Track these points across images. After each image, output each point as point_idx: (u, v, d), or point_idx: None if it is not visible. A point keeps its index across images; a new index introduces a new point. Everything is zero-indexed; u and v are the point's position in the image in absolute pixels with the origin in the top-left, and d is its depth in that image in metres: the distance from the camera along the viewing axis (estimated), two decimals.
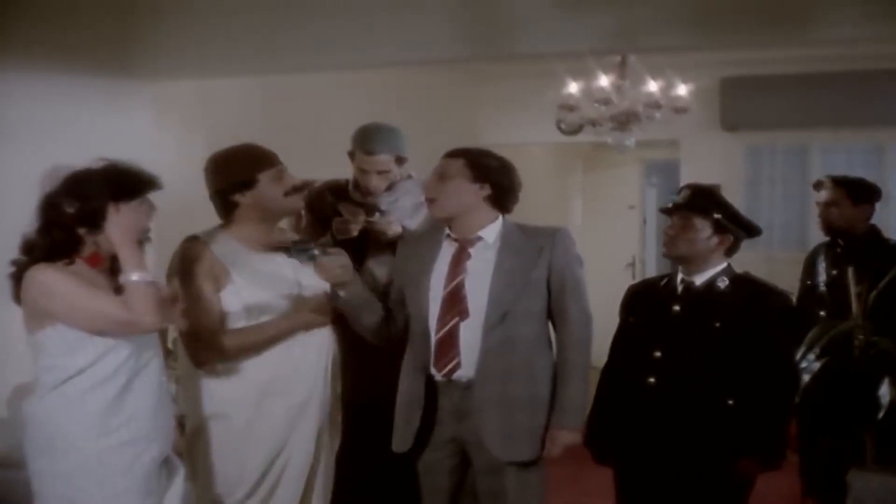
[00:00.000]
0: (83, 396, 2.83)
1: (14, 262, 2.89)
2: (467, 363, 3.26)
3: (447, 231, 3.39)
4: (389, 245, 3.87)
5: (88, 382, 2.83)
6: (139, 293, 2.81)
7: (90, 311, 2.80)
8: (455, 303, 3.28)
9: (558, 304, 3.32)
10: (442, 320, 3.28)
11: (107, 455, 2.84)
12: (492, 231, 3.35)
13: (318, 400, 3.33)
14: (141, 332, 2.89)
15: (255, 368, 3.25)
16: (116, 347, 2.86)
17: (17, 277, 2.87)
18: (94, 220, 2.84)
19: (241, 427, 3.24)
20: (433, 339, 3.29)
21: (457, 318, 3.26)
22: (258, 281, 3.27)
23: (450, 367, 3.26)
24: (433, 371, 3.31)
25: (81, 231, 2.86)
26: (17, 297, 2.89)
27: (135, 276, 2.81)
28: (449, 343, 3.26)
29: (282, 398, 3.26)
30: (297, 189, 3.37)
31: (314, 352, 3.34)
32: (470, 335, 3.26)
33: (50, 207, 2.87)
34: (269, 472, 3.27)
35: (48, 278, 2.81)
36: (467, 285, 3.28)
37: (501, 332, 3.24)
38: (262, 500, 3.28)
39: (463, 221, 3.35)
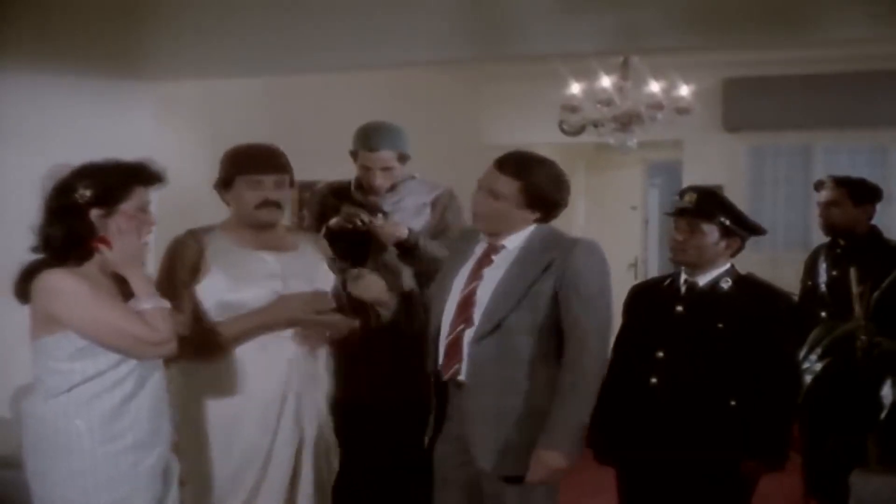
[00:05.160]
0: (91, 401, 2.80)
1: (29, 261, 2.83)
2: (465, 370, 3.21)
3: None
4: (395, 247, 3.87)
5: (99, 387, 2.80)
6: (159, 317, 2.80)
7: (114, 328, 2.77)
8: (464, 309, 3.22)
9: (567, 321, 3.16)
10: (453, 325, 3.23)
11: (111, 459, 2.81)
12: (517, 239, 3.25)
13: (292, 409, 3.24)
14: (163, 355, 2.89)
15: (219, 369, 3.21)
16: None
17: (27, 276, 2.82)
18: (110, 200, 2.81)
19: (211, 430, 3.21)
20: (443, 342, 3.25)
21: (462, 325, 3.21)
22: (238, 278, 3.23)
23: (452, 371, 3.23)
24: (441, 373, 3.28)
25: (95, 214, 2.80)
26: (24, 295, 2.83)
27: (147, 304, 2.80)
28: (454, 348, 3.22)
29: (249, 402, 3.20)
30: (270, 204, 3.29)
31: (281, 356, 3.25)
32: (470, 342, 3.21)
33: (62, 193, 2.82)
34: (241, 478, 3.21)
35: (66, 287, 2.76)
36: (478, 293, 3.22)
37: (495, 343, 3.15)
38: None
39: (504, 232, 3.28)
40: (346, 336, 3.43)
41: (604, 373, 3.20)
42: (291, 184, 3.39)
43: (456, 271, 3.31)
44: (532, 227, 3.27)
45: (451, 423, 3.31)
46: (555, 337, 3.19)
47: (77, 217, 2.80)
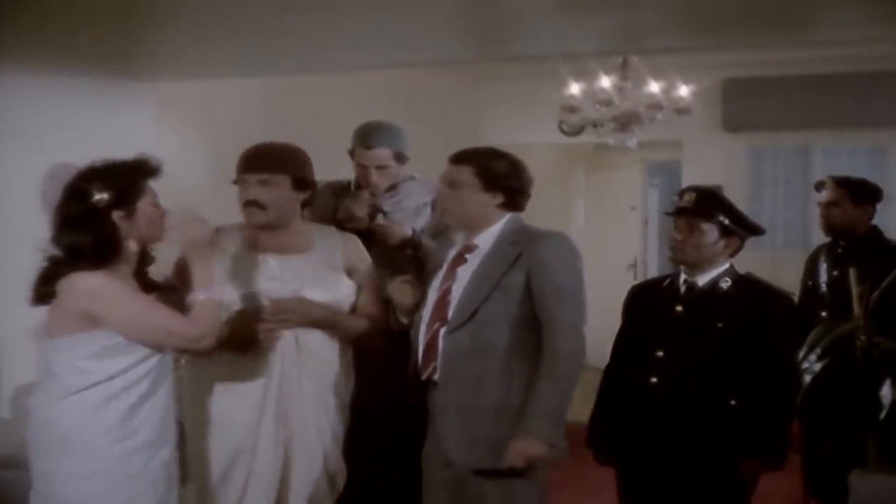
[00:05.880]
0: (107, 401, 2.80)
1: (50, 264, 2.82)
2: (438, 366, 3.24)
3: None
4: (397, 246, 3.86)
5: (118, 387, 2.80)
6: (206, 311, 2.82)
7: (153, 324, 2.79)
8: (440, 308, 3.25)
9: (540, 312, 3.18)
10: (429, 325, 3.26)
11: (124, 458, 2.82)
12: (489, 237, 3.30)
13: (273, 405, 3.21)
14: (200, 350, 2.90)
15: (225, 366, 3.20)
16: (152, 354, 2.85)
17: (49, 279, 2.80)
18: (128, 200, 2.81)
19: (203, 426, 3.21)
20: (422, 343, 3.27)
21: (438, 324, 3.24)
22: (234, 279, 3.21)
23: (429, 370, 3.25)
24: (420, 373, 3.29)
25: (117, 216, 2.80)
26: (44, 297, 2.81)
27: (201, 295, 2.82)
28: (431, 347, 3.25)
29: (235, 396, 3.20)
30: (250, 204, 3.26)
31: (273, 356, 3.22)
32: (443, 336, 3.23)
33: (77, 200, 2.81)
34: (231, 474, 3.20)
35: (108, 287, 2.76)
36: (453, 291, 3.25)
37: (467, 335, 3.17)
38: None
39: (476, 227, 3.33)
40: (372, 340, 3.43)
41: (582, 361, 3.19)
42: (300, 185, 3.34)
43: (436, 275, 3.36)
44: (503, 223, 3.31)
45: (433, 422, 3.32)
46: (530, 333, 3.20)
47: (101, 221, 2.80)
